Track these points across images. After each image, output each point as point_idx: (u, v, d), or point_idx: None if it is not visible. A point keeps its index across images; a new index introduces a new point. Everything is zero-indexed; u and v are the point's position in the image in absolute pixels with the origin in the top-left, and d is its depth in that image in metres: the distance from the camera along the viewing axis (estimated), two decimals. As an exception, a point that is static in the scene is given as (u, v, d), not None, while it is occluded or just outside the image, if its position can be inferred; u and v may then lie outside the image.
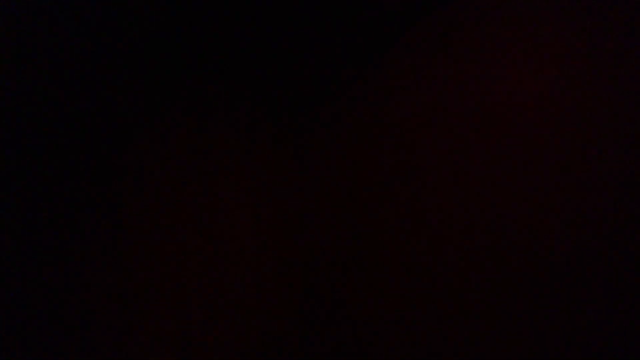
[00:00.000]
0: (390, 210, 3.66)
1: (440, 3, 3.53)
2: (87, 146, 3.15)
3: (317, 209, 3.88)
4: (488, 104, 3.38)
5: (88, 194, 3.13)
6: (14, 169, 2.87)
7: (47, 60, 3.01)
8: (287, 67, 3.98)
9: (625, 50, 3.05)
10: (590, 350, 3.09)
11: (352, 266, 3.76)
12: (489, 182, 3.36)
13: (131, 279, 3.26)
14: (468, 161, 3.42)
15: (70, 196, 3.06)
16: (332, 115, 3.86)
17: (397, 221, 3.63)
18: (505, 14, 3.34)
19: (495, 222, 3.34)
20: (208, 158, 3.71)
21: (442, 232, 3.49)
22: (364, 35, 3.76)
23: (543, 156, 3.22)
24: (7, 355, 2.81)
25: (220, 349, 3.66)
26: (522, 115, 3.28)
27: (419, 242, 3.56)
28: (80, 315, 3.06)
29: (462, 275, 3.42)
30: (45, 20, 3.01)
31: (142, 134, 3.38)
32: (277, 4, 3.71)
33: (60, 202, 3.02)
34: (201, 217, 3.65)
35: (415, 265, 3.57)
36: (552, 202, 3.19)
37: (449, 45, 3.49)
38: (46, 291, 2.94)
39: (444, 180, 3.49)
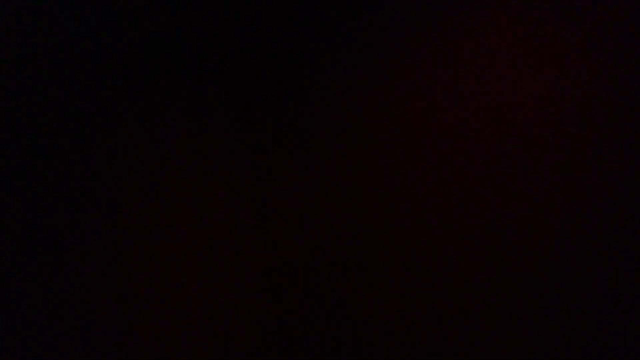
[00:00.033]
0: (390, 210, 3.66)
1: (440, 3, 3.53)
2: (87, 145, 3.14)
3: (317, 209, 3.88)
4: (488, 104, 3.38)
5: (88, 193, 3.13)
6: (14, 169, 2.87)
7: (46, 60, 3.01)
8: (277, 63, 3.98)
9: (625, 50, 3.05)
10: (590, 350, 3.09)
11: (351, 266, 3.76)
12: (489, 182, 3.36)
13: (131, 279, 3.25)
14: (468, 161, 3.42)
15: (70, 196, 3.06)
16: (330, 113, 3.86)
17: (397, 221, 3.63)
18: (505, 14, 3.34)
19: (495, 222, 3.34)
20: (207, 158, 3.71)
21: (442, 232, 3.49)
22: (360, 33, 3.76)
23: (543, 156, 3.22)
24: (7, 355, 2.81)
25: (220, 349, 3.66)
26: (522, 115, 3.28)
27: (419, 242, 3.56)
28: (80, 315, 3.05)
29: (462, 275, 3.42)
30: (45, 20, 3.00)
31: (142, 134, 3.37)
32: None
33: (60, 202, 3.02)
34: (201, 217, 3.65)
35: (415, 265, 3.57)
36: (552, 202, 3.19)
37: (448, 45, 3.49)
38: (46, 291, 2.94)
39: (444, 180, 3.49)
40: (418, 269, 3.56)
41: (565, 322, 3.15)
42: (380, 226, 3.68)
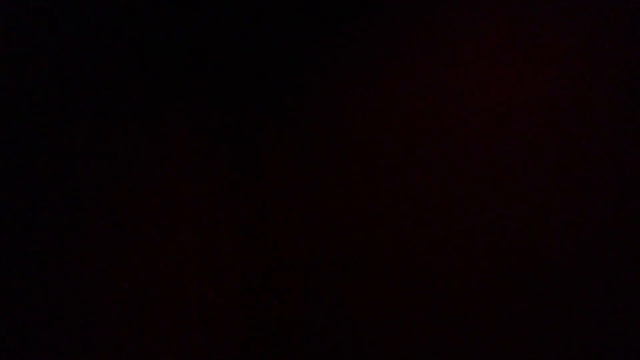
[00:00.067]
0: (390, 210, 3.66)
1: (440, 3, 3.53)
2: (87, 145, 3.14)
3: (317, 209, 3.88)
4: (488, 104, 3.38)
5: (87, 193, 3.13)
6: (14, 169, 2.87)
7: (45, 60, 3.01)
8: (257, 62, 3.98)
9: (625, 50, 3.05)
10: (590, 350, 3.09)
11: (351, 266, 3.76)
12: (489, 182, 3.36)
13: (131, 278, 3.26)
14: (468, 161, 3.42)
15: (70, 196, 3.06)
16: (330, 112, 3.86)
17: (397, 221, 3.63)
18: (505, 14, 3.34)
19: (495, 222, 3.34)
20: (207, 158, 3.71)
21: (442, 232, 3.49)
22: (360, 33, 3.76)
23: (543, 156, 3.22)
24: (7, 355, 2.81)
25: (220, 349, 3.66)
26: (522, 115, 3.28)
27: (419, 242, 3.56)
28: (80, 315, 3.06)
29: (462, 275, 3.42)
30: (45, 20, 3.00)
31: (142, 134, 3.38)
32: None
33: (60, 202, 3.02)
34: (201, 217, 3.65)
35: (415, 265, 3.57)
36: (552, 202, 3.19)
37: (448, 45, 3.49)
38: (46, 291, 2.94)
39: (444, 180, 3.49)
40: (418, 269, 3.56)
41: (565, 322, 3.15)
42: (380, 226, 3.68)
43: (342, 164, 3.83)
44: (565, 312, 3.15)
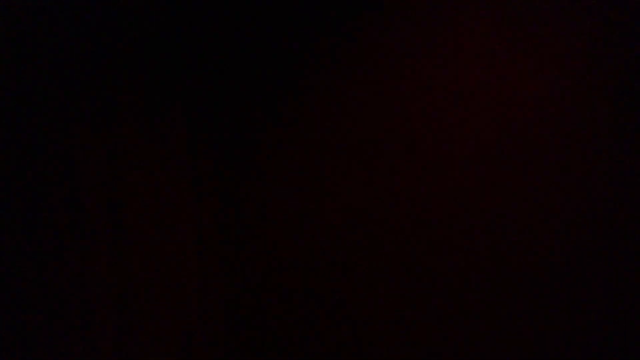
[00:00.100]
0: (390, 210, 3.66)
1: (440, 3, 3.53)
2: (87, 145, 3.14)
3: (316, 209, 3.88)
4: (488, 104, 3.37)
5: (87, 193, 3.12)
6: (14, 169, 2.87)
7: (45, 60, 3.01)
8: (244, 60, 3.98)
9: (625, 50, 3.05)
10: (590, 350, 3.09)
11: (351, 266, 3.76)
12: (489, 182, 3.36)
13: (131, 278, 3.25)
14: (468, 161, 3.42)
15: (70, 196, 3.06)
16: (330, 112, 3.86)
17: (397, 221, 3.63)
18: (505, 14, 3.34)
19: (495, 222, 3.34)
20: (207, 158, 3.71)
21: (442, 232, 3.49)
22: (360, 33, 3.76)
23: (543, 156, 3.22)
24: (7, 355, 2.80)
25: (220, 349, 3.66)
26: (522, 115, 3.28)
27: (419, 242, 3.55)
28: (80, 315, 3.05)
29: (462, 275, 3.42)
30: (45, 20, 3.00)
31: (141, 134, 3.37)
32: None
33: (60, 201, 3.02)
34: (201, 217, 3.65)
35: (415, 265, 3.57)
36: (552, 202, 3.19)
37: (448, 45, 3.49)
38: (46, 291, 2.94)
39: (444, 180, 3.49)
40: (418, 269, 3.56)
41: (565, 322, 3.15)
42: (380, 226, 3.68)
43: (342, 164, 3.83)
44: (565, 312, 3.15)
